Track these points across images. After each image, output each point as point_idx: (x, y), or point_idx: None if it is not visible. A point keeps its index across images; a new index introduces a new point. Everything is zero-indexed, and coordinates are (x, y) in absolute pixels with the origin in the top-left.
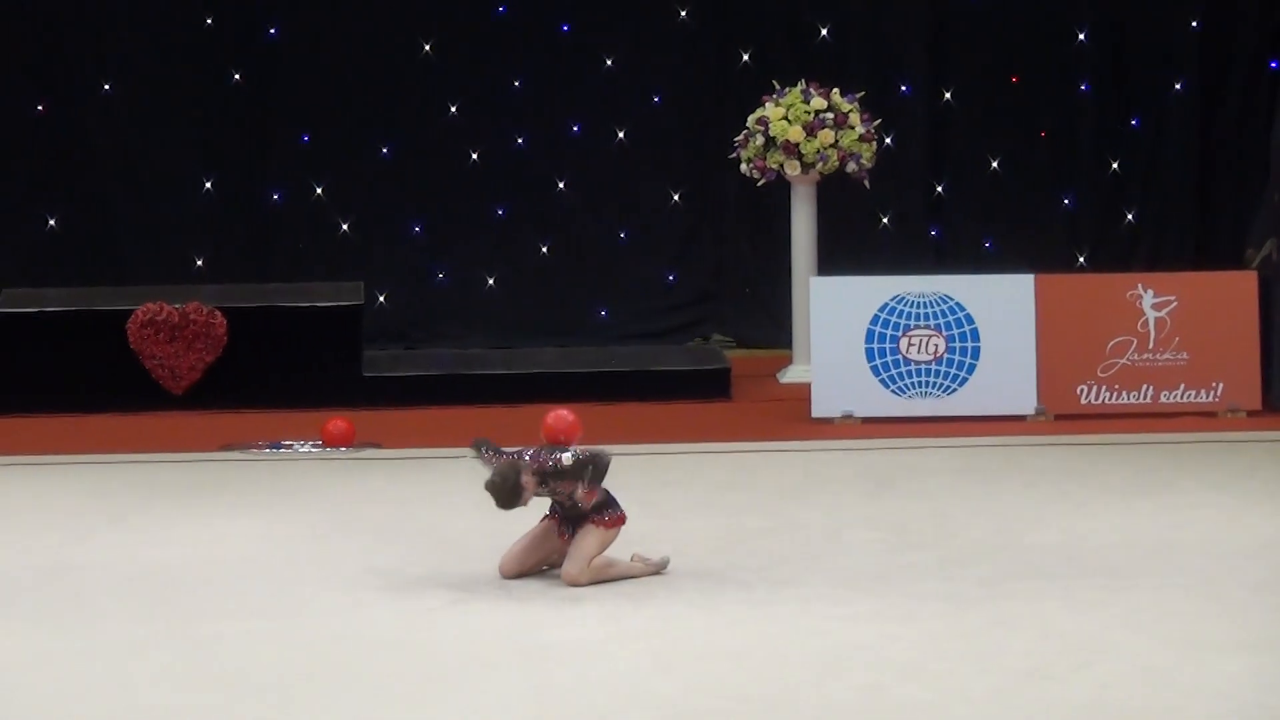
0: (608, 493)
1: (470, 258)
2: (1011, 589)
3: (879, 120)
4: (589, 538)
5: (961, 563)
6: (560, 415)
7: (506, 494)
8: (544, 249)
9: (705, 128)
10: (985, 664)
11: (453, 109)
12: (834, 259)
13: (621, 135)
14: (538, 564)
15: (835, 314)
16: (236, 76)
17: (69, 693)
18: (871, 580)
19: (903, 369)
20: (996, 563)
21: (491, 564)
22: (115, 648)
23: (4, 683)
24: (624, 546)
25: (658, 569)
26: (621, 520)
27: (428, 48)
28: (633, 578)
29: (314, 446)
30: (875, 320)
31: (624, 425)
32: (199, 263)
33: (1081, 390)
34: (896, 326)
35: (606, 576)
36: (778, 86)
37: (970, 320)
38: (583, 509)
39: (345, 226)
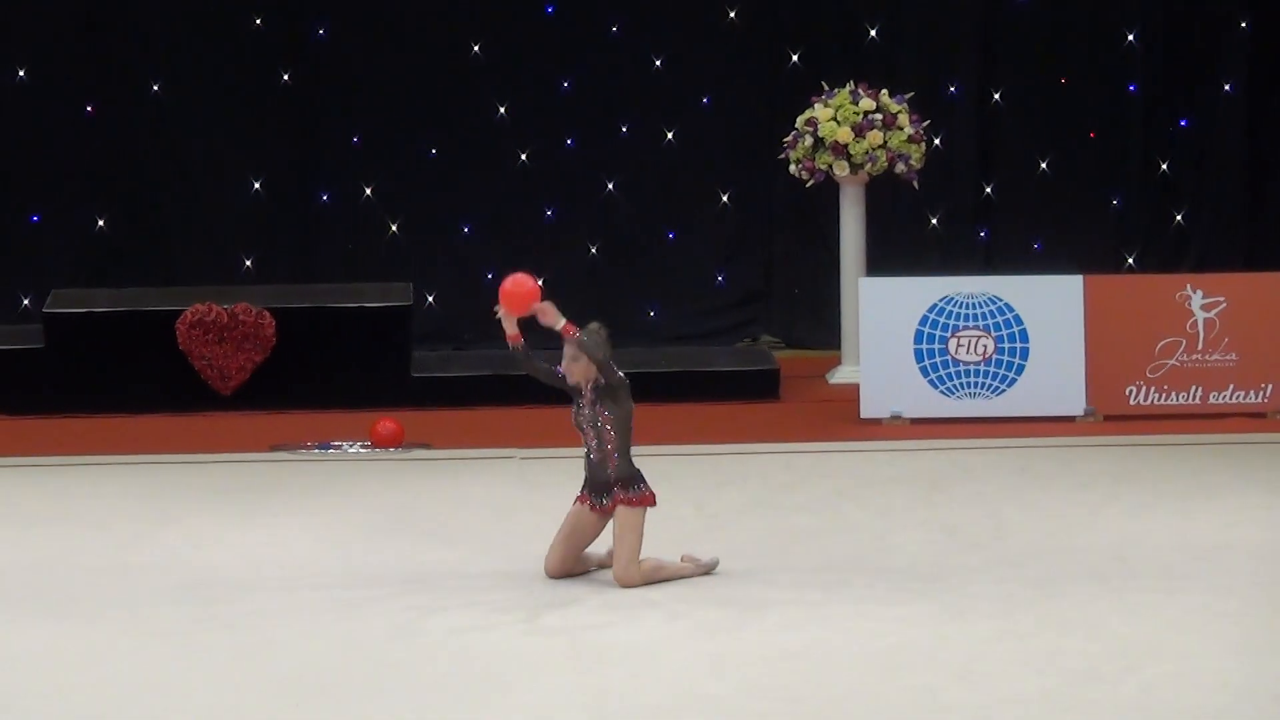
0: (637, 469)
1: (519, 258)
2: (1062, 590)
3: (928, 121)
4: (626, 531)
5: (1012, 564)
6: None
7: (603, 342)
8: (593, 249)
9: (754, 128)
10: (1036, 665)
11: (502, 110)
12: (882, 260)
13: (670, 136)
14: (579, 554)
15: (884, 315)
16: (285, 77)
17: (121, 693)
18: (922, 581)
19: (951, 370)
20: (1047, 564)
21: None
22: (167, 648)
23: (58, 682)
24: (674, 546)
25: (707, 569)
26: (649, 500)
27: (477, 48)
28: (684, 578)
29: (363, 447)
30: (924, 321)
31: (673, 426)
32: (248, 263)
33: (1130, 391)
34: (945, 327)
35: (658, 579)
36: (826, 87)
37: (1019, 321)
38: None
39: (394, 227)
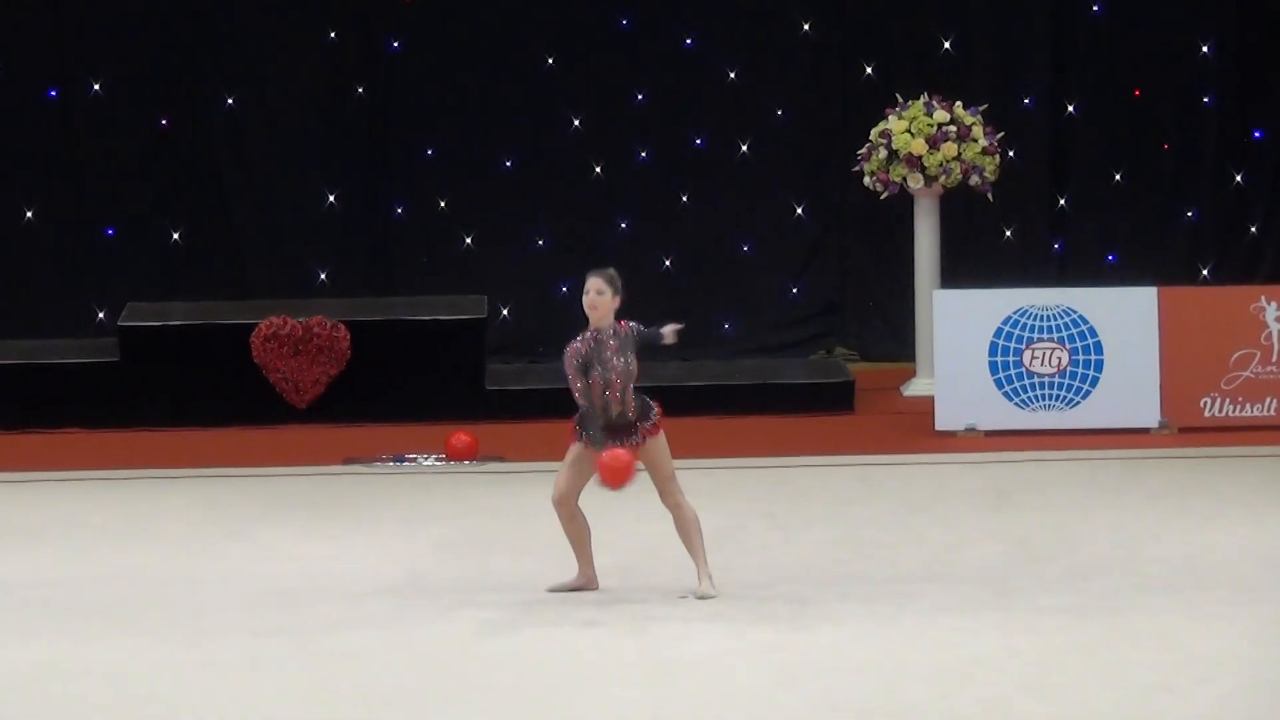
0: (643, 399)
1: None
2: (1134, 602)
3: (1002, 133)
4: (664, 458)
5: (1084, 576)
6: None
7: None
8: (667, 262)
9: (828, 141)
10: (1108, 677)
11: (575, 122)
12: (957, 272)
13: (744, 148)
14: (582, 487)
15: (958, 327)
16: (359, 90)
17: (191, 705)
18: (994, 593)
19: (1026, 381)
20: (1119, 576)
21: (616, 579)
22: (237, 661)
23: (128, 694)
24: (748, 557)
25: (700, 594)
26: (660, 423)
27: (551, 61)
28: (691, 556)
29: (437, 460)
30: (999, 333)
31: (747, 438)
32: (322, 276)
33: (1205, 403)
34: (1020, 339)
35: (687, 536)
36: (900, 99)
37: (1094, 333)
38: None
39: (468, 240)
